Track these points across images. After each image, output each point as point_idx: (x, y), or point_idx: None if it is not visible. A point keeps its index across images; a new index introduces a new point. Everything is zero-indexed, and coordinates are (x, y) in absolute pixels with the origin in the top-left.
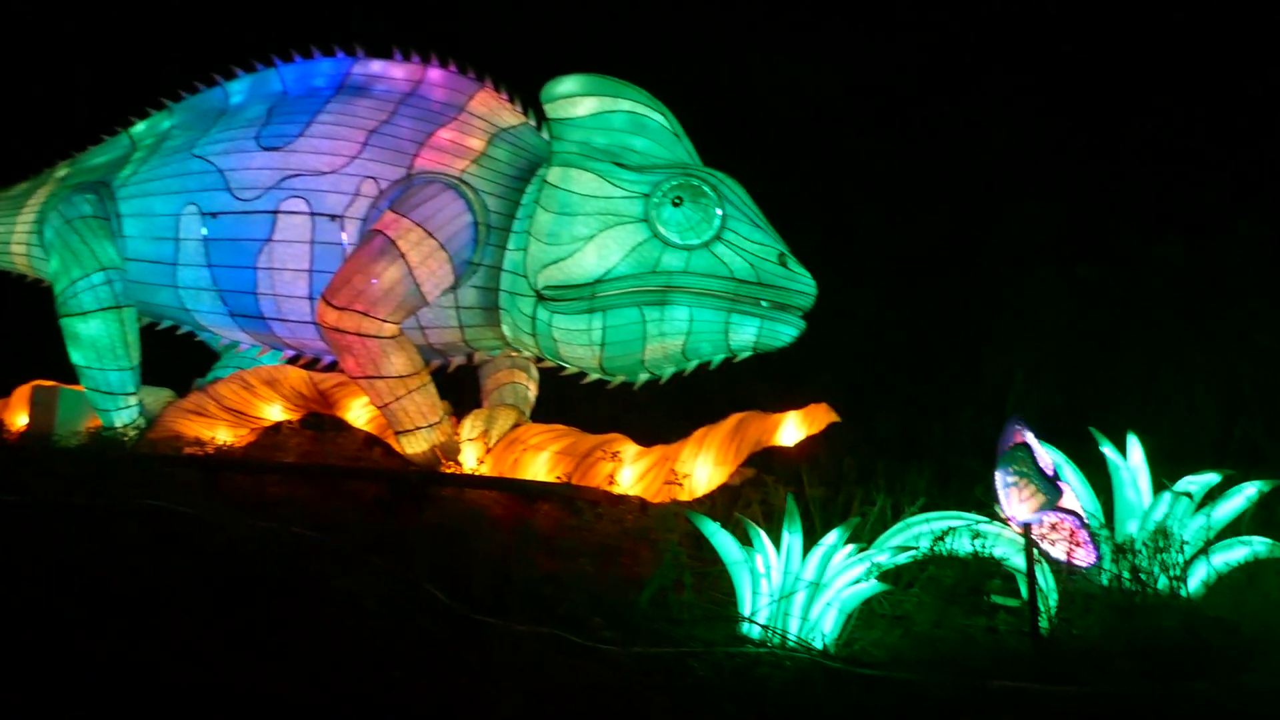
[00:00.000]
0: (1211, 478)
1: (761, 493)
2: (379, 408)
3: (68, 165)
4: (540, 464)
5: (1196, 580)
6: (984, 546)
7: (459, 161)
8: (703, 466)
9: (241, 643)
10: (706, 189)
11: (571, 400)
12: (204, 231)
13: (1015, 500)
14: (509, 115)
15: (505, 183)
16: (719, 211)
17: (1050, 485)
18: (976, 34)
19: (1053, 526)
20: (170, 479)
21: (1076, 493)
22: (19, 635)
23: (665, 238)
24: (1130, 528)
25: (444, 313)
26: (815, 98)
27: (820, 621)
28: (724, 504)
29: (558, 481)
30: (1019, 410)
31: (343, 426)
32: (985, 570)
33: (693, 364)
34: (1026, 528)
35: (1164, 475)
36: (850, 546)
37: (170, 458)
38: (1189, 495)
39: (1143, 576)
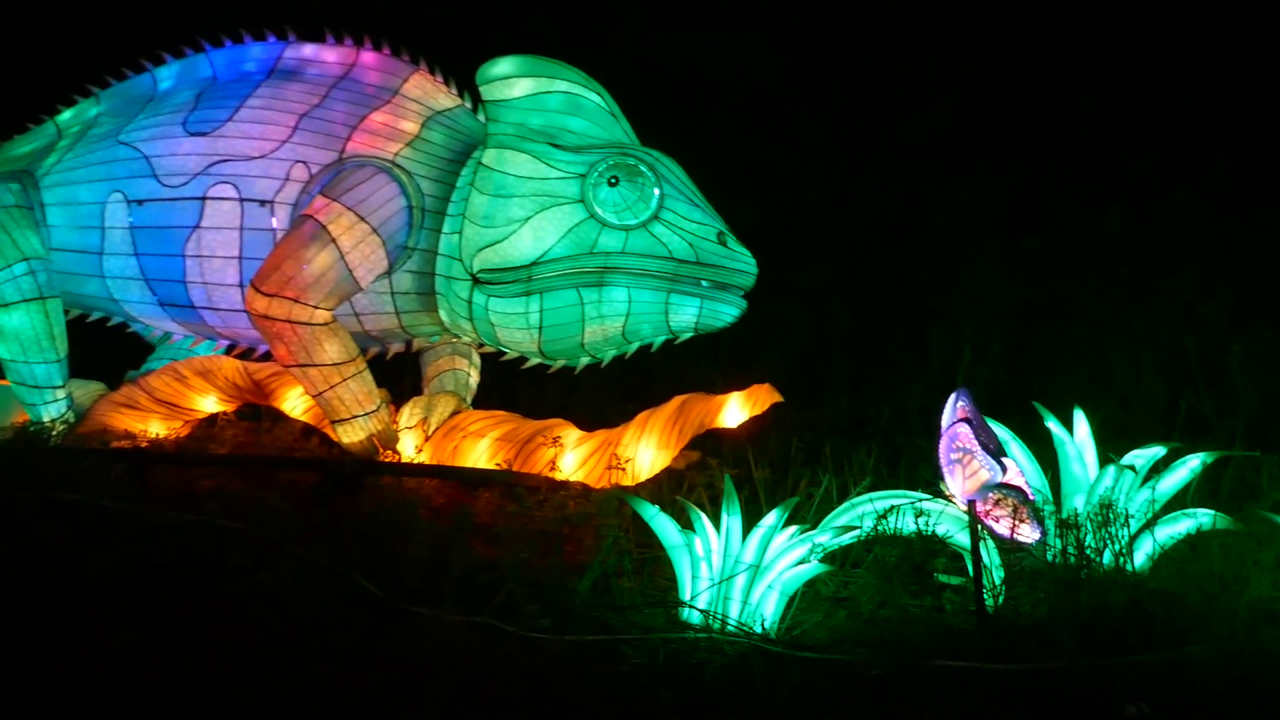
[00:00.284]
0: (1157, 451)
1: (707, 476)
2: (313, 396)
3: None
4: (480, 451)
5: (1142, 554)
6: (927, 525)
7: (392, 145)
8: (645, 450)
9: (160, 639)
10: (643, 168)
11: (517, 386)
12: (130, 219)
13: (959, 477)
14: (445, 98)
15: (440, 166)
16: (656, 191)
17: (994, 461)
18: (913, 7)
19: (996, 503)
20: (95, 473)
21: (1023, 468)
22: None
23: (602, 218)
24: (1076, 503)
25: (380, 299)
26: (753, 76)
27: (762, 605)
28: (670, 488)
29: (498, 468)
30: (966, 386)
31: (280, 417)
32: (929, 549)
33: (634, 346)
34: (971, 505)
35: (1112, 449)
36: (793, 528)
37: (96, 451)
38: (1133, 469)
39: (1088, 551)
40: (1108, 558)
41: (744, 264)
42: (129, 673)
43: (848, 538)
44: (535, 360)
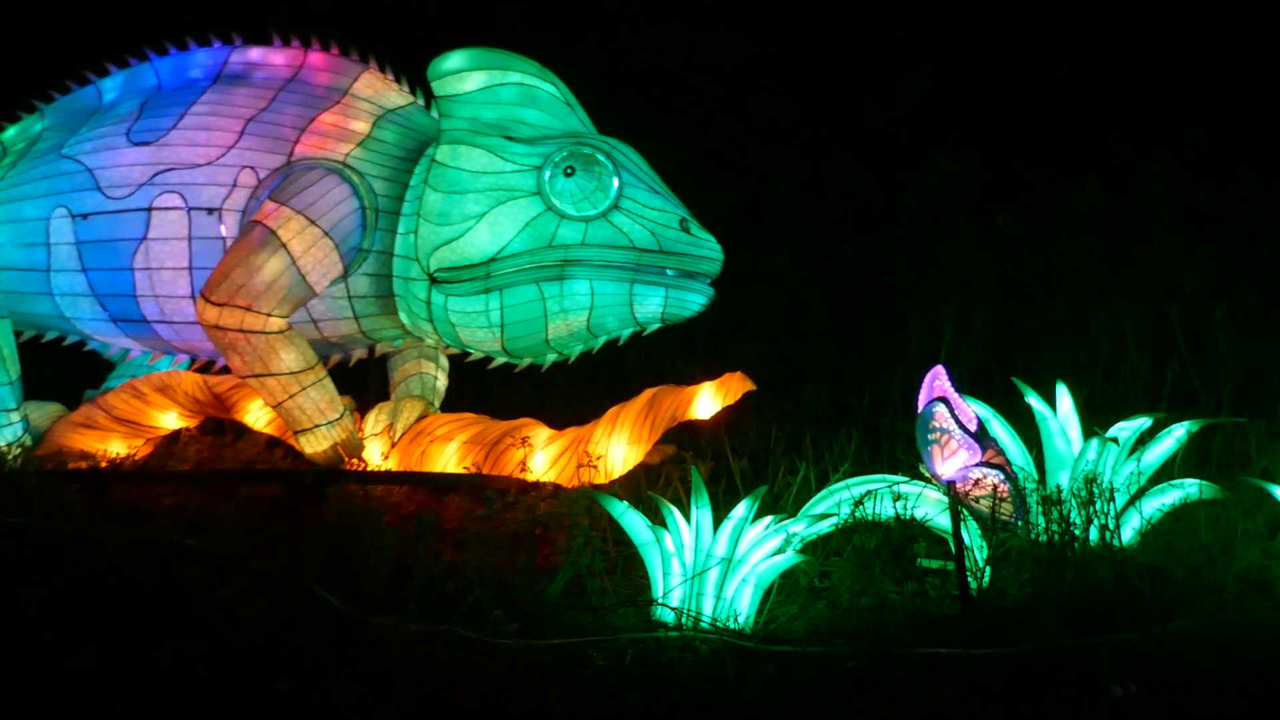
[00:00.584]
0: (1143, 422)
1: (682, 470)
2: (273, 407)
3: None
4: (448, 455)
5: (1130, 529)
6: (905, 508)
7: (342, 145)
8: (617, 446)
9: (113, 660)
10: (600, 157)
11: (489, 388)
12: (76, 234)
13: (938, 458)
14: (396, 96)
15: (393, 165)
16: (615, 180)
17: (972, 440)
18: None
19: (976, 483)
20: (49, 495)
21: (1005, 446)
22: None
23: (560, 210)
24: (1061, 479)
25: (337, 304)
26: (719, 63)
27: (736, 599)
28: (646, 484)
29: (466, 472)
30: (946, 364)
31: (244, 431)
32: (909, 533)
33: (600, 340)
34: (950, 485)
35: (1098, 424)
36: (768, 519)
37: (50, 473)
38: (1115, 441)
39: (1073, 528)
40: (1094, 533)
41: (709, 251)
42: (81, 695)
43: (823, 525)
44: (501, 360)
